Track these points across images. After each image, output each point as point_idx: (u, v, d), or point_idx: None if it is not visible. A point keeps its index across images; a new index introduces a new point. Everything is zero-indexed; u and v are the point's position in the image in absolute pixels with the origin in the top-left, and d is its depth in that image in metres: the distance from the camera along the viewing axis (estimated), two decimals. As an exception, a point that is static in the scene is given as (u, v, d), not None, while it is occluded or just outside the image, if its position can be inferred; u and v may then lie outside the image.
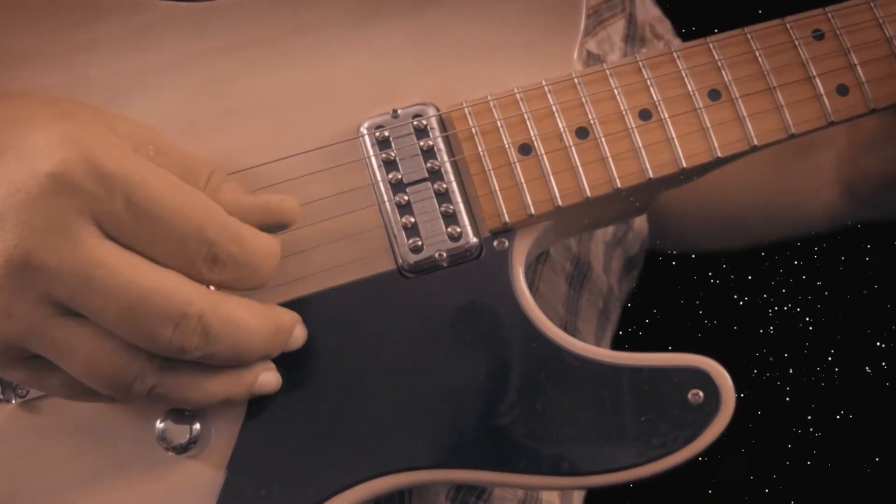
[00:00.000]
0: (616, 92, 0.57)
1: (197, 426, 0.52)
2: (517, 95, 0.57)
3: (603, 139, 0.57)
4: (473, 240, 0.56)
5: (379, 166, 0.56)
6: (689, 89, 0.58)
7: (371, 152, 0.56)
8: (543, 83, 0.58)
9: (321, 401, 0.53)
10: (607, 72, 0.58)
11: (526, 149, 0.57)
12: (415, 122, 0.57)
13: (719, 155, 0.57)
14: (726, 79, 0.58)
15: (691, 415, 0.53)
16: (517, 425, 0.53)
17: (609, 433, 0.53)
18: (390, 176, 0.56)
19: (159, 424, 0.52)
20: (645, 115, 0.57)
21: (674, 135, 0.57)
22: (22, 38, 0.57)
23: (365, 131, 0.57)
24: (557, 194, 0.56)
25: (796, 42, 0.59)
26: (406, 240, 0.55)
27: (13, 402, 0.53)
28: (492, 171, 0.56)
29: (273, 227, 0.51)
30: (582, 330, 0.73)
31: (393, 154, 0.56)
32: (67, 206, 0.45)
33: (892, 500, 0.90)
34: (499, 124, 0.57)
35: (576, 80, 0.58)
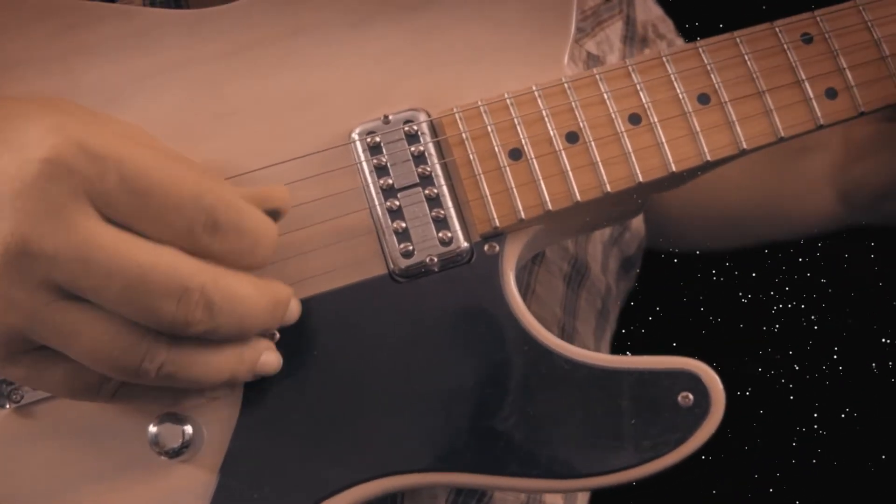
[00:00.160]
0: (605, 96, 0.58)
1: (189, 430, 0.53)
2: (507, 101, 0.58)
3: (593, 143, 0.57)
4: (464, 244, 0.56)
5: (370, 171, 0.57)
6: (679, 93, 0.58)
7: (362, 158, 0.57)
8: (533, 88, 0.58)
9: (313, 404, 0.54)
10: (597, 76, 0.58)
11: (516, 153, 0.57)
12: (406, 128, 0.57)
13: (709, 159, 0.58)
14: (715, 83, 0.58)
15: (681, 417, 0.53)
16: (509, 429, 0.54)
17: (600, 436, 0.54)
18: (381, 181, 0.57)
19: (152, 429, 0.52)
20: (635, 119, 0.58)
21: (663, 139, 0.57)
22: (17, 42, 0.57)
23: (356, 137, 0.57)
24: (548, 199, 0.56)
25: (785, 46, 0.59)
26: (397, 244, 0.56)
27: (7, 407, 0.54)
28: (482, 176, 0.57)
29: (268, 214, 0.52)
30: (580, 331, 0.73)
31: (384, 159, 0.57)
32: (61, 190, 0.45)
33: (899, 499, 0.90)
34: (489, 129, 0.57)
35: (566, 85, 0.58)
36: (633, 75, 0.58)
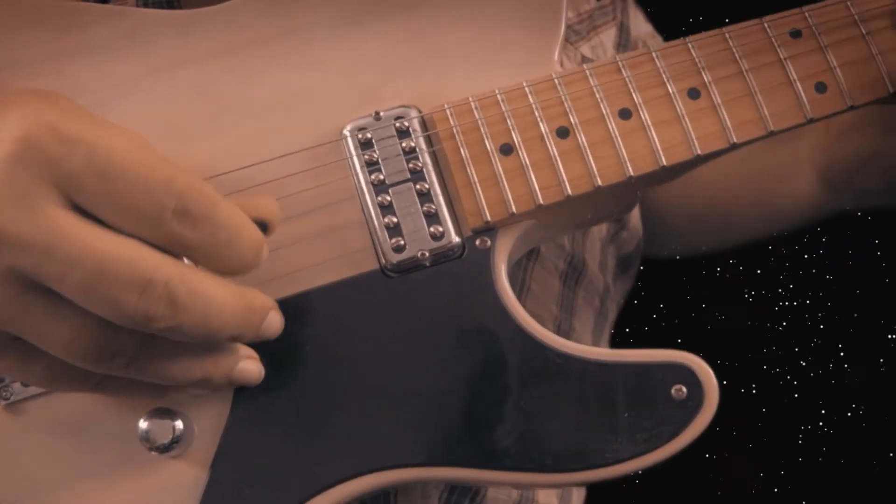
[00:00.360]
0: (595, 91, 0.58)
1: (180, 425, 0.52)
2: (498, 96, 0.58)
3: (583, 138, 0.57)
4: (456, 239, 0.56)
5: (361, 167, 0.57)
6: (669, 89, 0.58)
7: (353, 153, 0.57)
8: (524, 84, 0.58)
9: (305, 400, 0.54)
10: (587, 72, 0.58)
11: (507, 148, 0.57)
12: (397, 124, 0.57)
13: (699, 153, 0.58)
14: (705, 78, 0.59)
15: (675, 410, 0.53)
16: (501, 423, 0.53)
17: (593, 430, 0.53)
18: (373, 177, 0.57)
19: (142, 424, 0.52)
20: (625, 114, 0.58)
21: (654, 133, 0.58)
22: (11, 44, 0.57)
23: (347, 133, 0.57)
24: (539, 193, 0.56)
25: (774, 41, 0.59)
26: (389, 240, 0.56)
27: (-3, 403, 0.53)
28: (473, 171, 0.57)
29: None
30: (578, 329, 0.73)
31: (375, 155, 0.57)
32: (27, 173, 0.44)
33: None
34: (480, 124, 0.57)
35: (556, 81, 0.58)
36: (622, 70, 0.59)
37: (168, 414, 0.52)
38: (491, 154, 0.57)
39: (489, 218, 0.56)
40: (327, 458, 0.53)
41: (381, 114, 0.58)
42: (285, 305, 0.54)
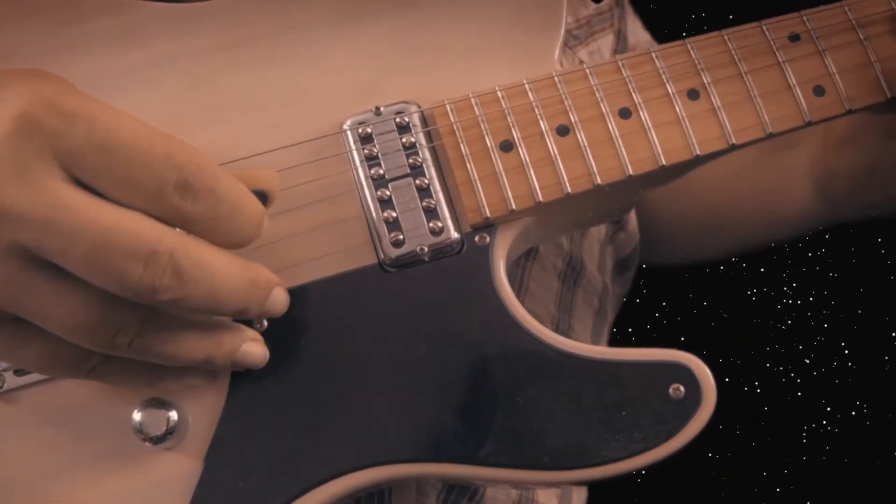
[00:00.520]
0: (595, 90, 0.58)
1: (174, 416, 0.52)
2: (498, 93, 0.58)
3: (583, 136, 0.57)
4: (455, 235, 0.56)
5: (361, 161, 0.57)
6: (668, 89, 0.59)
7: (353, 147, 0.57)
8: (524, 82, 0.58)
9: (301, 393, 0.53)
10: (587, 71, 0.59)
11: (507, 145, 0.57)
12: (397, 119, 0.57)
13: (698, 153, 0.58)
14: (705, 80, 0.59)
15: (672, 409, 0.53)
16: (498, 419, 0.53)
17: (590, 428, 0.53)
18: (372, 171, 0.56)
19: (136, 415, 0.52)
20: (625, 113, 0.58)
21: (653, 133, 0.58)
22: (10, 36, 0.57)
23: (347, 127, 0.57)
24: (538, 190, 0.56)
25: (773, 44, 0.60)
26: (388, 234, 0.55)
27: (-12, 391, 0.53)
28: (473, 167, 0.57)
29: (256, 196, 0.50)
30: (577, 329, 0.73)
31: (375, 150, 0.57)
32: (28, 148, 0.44)
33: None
34: (480, 121, 0.57)
35: (556, 79, 0.58)
36: (622, 70, 0.59)
37: (162, 405, 0.52)
38: (491, 151, 0.57)
39: (489, 214, 0.56)
40: (323, 451, 0.52)
41: (382, 109, 0.58)
42: (282, 299, 0.54)
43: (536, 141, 0.57)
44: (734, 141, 0.58)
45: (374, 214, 0.56)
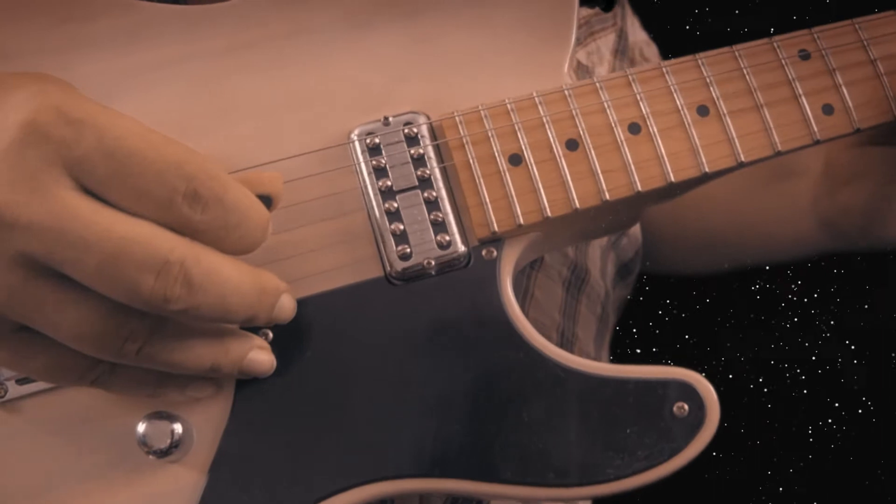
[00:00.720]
0: (606, 105, 0.58)
1: (179, 429, 0.51)
2: (508, 106, 0.58)
3: (592, 151, 0.57)
4: (462, 248, 0.56)
5: (369, 173, 0.56)
6: (678, 104, 0.58)
7: (361, 158, 0.56)
8: (534, 95, 0.58)
9: (306, 406, 0.53)
10: (598, 85, 0.58)
11: (516, 159, 0.57)
12: (406, 130, 0.57)
13: (707, 170, 0.58)
14: (714, 95, 0.59)
15: (676, 427, 0.53)
16: (502, 435, 0.53)
17: (595, 445, 0.53)
18: (380, 183, 0.56)
19: (140, 427, 0.51)
20: (634, 128, 0.58)
21: (662, 149, 0.58)
22: (12, 35, 0.56)
23: (355, 137, 0.57)
24: (547, 205, 0.56)
25: (783, 61, 0.60)
26: (395, 247, 0.55)
27: (-9, 401, 0.52)
28: (482, 181, 0.56)
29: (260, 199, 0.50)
30: (581, 336, 0.73)
31: (383, 161, 0.56)
32: (37, 156, 0.43)
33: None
34: (489, 134, 0.57)
35: (566, 93, 0.58)
36: (633, 85, 0.59)
37: (167, 417, 0.51)
38: (500, 164, 0.57)
39: (496, 229, 0.56)
40: (328, 465, 0.52)
41: (391, 119, 0.57)
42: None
43: (546, 155, 0.57)
44: (743, 159, 0.58)
45: (380, 226, 0.55)
